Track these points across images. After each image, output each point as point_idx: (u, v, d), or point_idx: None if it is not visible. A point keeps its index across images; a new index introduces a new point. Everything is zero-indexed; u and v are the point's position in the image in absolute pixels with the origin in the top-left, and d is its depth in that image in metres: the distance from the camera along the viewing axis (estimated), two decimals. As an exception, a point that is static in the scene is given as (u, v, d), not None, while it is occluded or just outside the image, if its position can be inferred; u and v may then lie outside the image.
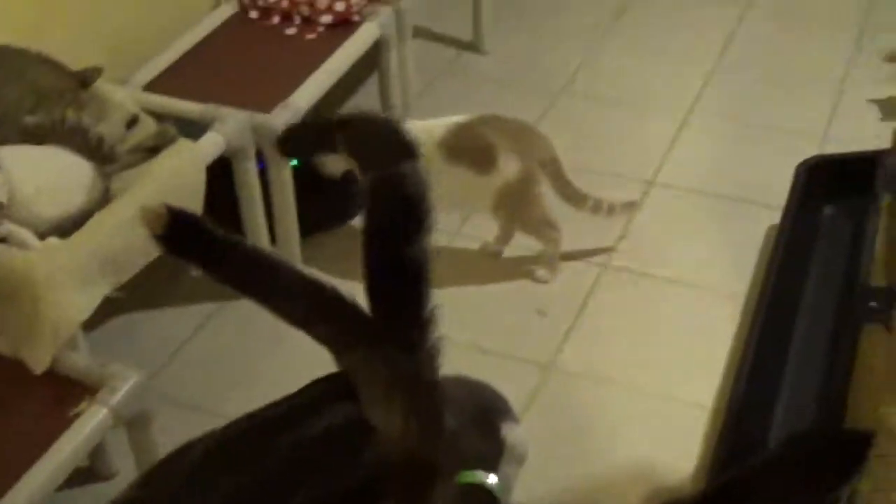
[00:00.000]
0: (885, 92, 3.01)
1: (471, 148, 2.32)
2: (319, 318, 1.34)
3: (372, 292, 1.32)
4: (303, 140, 1.72)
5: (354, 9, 2.65)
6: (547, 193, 2.41)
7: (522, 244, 2.51)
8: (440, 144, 2.32)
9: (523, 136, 2.39)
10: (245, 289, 1.38)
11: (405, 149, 1.35)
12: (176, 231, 1.34)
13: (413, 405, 1.24)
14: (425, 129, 2.31)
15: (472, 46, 3.29)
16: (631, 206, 2.48)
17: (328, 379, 1.38)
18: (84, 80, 2.16)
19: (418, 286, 1.30)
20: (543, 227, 2.43)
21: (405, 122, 2.32)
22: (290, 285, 1.36)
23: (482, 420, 1.47)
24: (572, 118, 3.01)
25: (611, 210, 2.43)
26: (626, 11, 3.49)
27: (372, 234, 1.33)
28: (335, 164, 2.38)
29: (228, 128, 2.21)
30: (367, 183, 1.35)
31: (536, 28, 3.40)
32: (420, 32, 3.21)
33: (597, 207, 2.42)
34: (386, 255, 1.32)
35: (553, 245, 2.44)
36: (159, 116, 2.21)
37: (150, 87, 2.43)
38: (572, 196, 2.41)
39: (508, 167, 2.33)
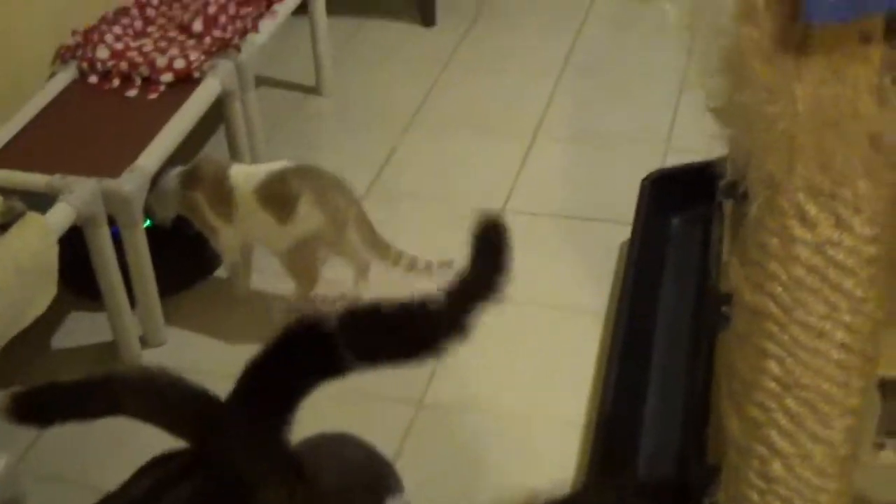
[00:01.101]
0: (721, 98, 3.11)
1: (277, 196, 2.37)
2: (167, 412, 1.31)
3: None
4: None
5: (194, 65, 2.66)
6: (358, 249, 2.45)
7: (383, 281, 2.53)
8: (255, 189, 2.40)
9: (330, 189, 2.41)
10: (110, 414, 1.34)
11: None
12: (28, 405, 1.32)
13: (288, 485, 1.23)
14: (246, 174, 2.44)
15: (315, 90, 3.34)
16: (448, 265, 2.44)
17: (162, 461, 1.32)
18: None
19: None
20: (306, 278, 2.45)
21: (231, 166, 2.41)
22: (142, 389, 1.32)
23: (368, 491, 1.48)
24: (421, 152, 3.07)
25: (428, 267, 2.45)
26: (463, 41, 3.57)
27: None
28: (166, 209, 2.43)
29: (77, 197, 2.21)
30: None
31: (376, 68, 3.47)
32: (262, 80, 3.26)
33: (412, 265, 2.45)
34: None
35: (299, 296, 2.47)
36: (4, 191, 2.19)
37: (-7, 161, 2.40)
38: (385, 254, 2.44)
39: (308, 217, 2.38)
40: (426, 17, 3.67)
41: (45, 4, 2.73)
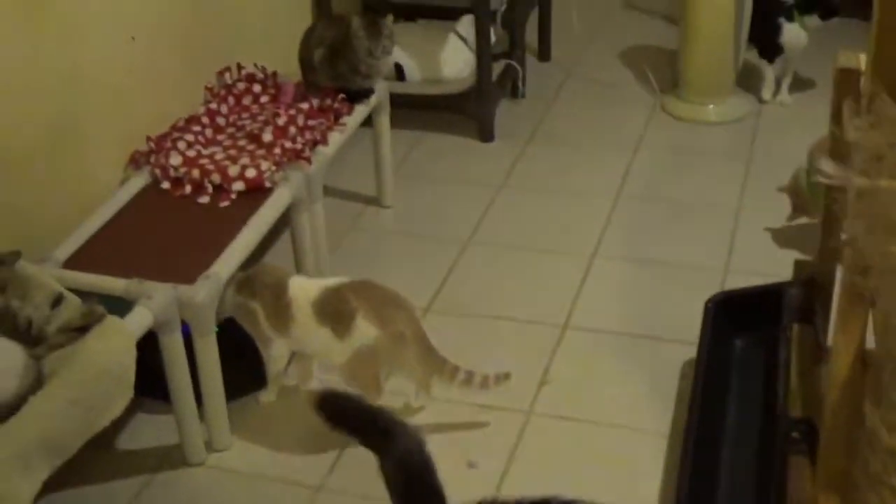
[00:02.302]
0: (778, 221, 3.17)
1: (334, 312, 2.42)
2: None
3: None
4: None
5: (266, 175, 2.73)
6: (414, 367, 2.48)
7: (444, 396, 2.56)
8: (313, 303, 2.44)
9: (387, 305, 2.46)
10: None
11: None
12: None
13: None
14: (304, 287, 2.49)
15: (377, 201, 3.41)
16: (505, 378, 2.48)
17: None
18: (3, 262, 2.20)
19: None
20: (368, 390, 2.46)
21: (290, 277, 2.47)
22: None
23: None
24: (480, 267, 3.13)
25: (484, 383, 2.47)
26: (520, 158, 3.65)
27: None
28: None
29: (155, 303, 2.26)
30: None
31: (435, 181, 3.55)
32: (325, 189, 3.31)
33: (468, 380, 2.47)
34: None
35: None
36: (82, 294, 2.24)
37: (70, 263, 2.45)
38: (441, 369, 2.47)
39: (365, 333, 2.42)
40: (485, 132, 3.75)
41: (119, 111, 2.82)
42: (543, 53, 4.33)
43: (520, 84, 3.99)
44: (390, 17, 3.06)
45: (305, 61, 3.11)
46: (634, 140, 3.73)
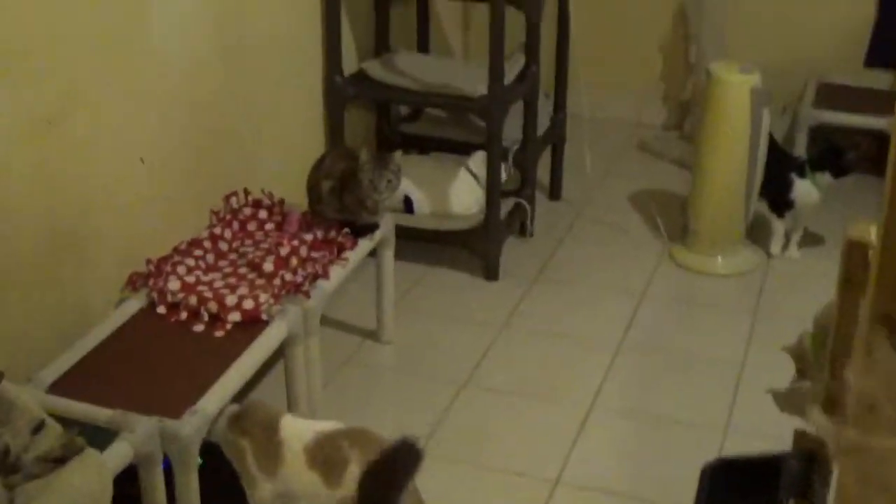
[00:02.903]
0: (782, 381, 3.12)
1: (327, 458, 2.36)
2: None
3: None
4: None
5: (263, 307, 2.70)
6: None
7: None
8: (305, 447, 2.36)
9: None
10: None
11: None
12: None
13: None
14: (296, 429, 2.38)
15: (375, 335, 3.38)
16: None
17: None
18: (-14, 384, 2.16)
19: None
20: None
21: (282, 417, 2.40)
22: None
23: None
24: (475, 411, 3.08)
25: None
26: (524, 299, 3.63)
27: None
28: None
29: (137, 436, 2.22)
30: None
31: (436, 318, 3.52)
32: (325, 321, 3.28)
33: None
34: None
35: None
36: (64, 420, 2.20)
37: (56, 387, 2.42)
38: None
39: (355, 484, 2.33)
40: (490, 271, 3.74)
41: (122, 230, 2.82)
42: (554, 192, 4.35)
43: (528, 223, 4.00)
44: (398, 153, 3.07)
45: (313, 191, 3.11)
46: (640, 287, 3.71)
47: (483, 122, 3.65)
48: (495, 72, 3.50)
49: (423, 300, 3.62)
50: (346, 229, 3.06)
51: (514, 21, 3.72)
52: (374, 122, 4.12)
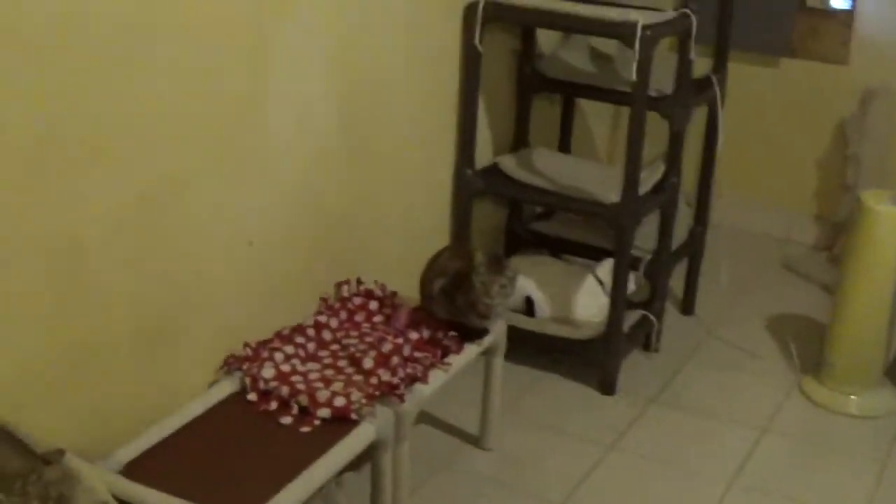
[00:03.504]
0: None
1: None
2: None
3: None
4: None
5: (354, 406, 2.62)
6: None
7: None
8: None
9: None
10: None
11: None
12: None
13: None
14: None
15: (476, 440, 3.26)
16: None
17: None
18: (48, 460, 2.11)
19: None
20: None
21: None
22: None
23: None
24: (569, 536, 2.92)
25: None
26: (638, 419, 3.47)
27: None
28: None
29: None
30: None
31: (543, 429, 3.39)
32: (426, 418, 3.23)
33: None
34: None
35: None
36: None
37: (130, 468, 2.39)
38: None
39: None
40: (606, 384, 3.60)
41: (224, 312, 2.79)
42: (687, 307, 4.18)
43: (654, 337, 3.84)
44: (514, 260, 2.96)
45: (424, 288, 3.03)
46: (764, 420, 3.50)
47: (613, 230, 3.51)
48: (629, 180, 3.39)
49: (532, 407, 3.49)
50: (454, 332, 2.96)
51: (660, 127, 3.60)
52: (506, 217, 4.04)
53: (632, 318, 3.70)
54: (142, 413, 2.57)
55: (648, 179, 3.61)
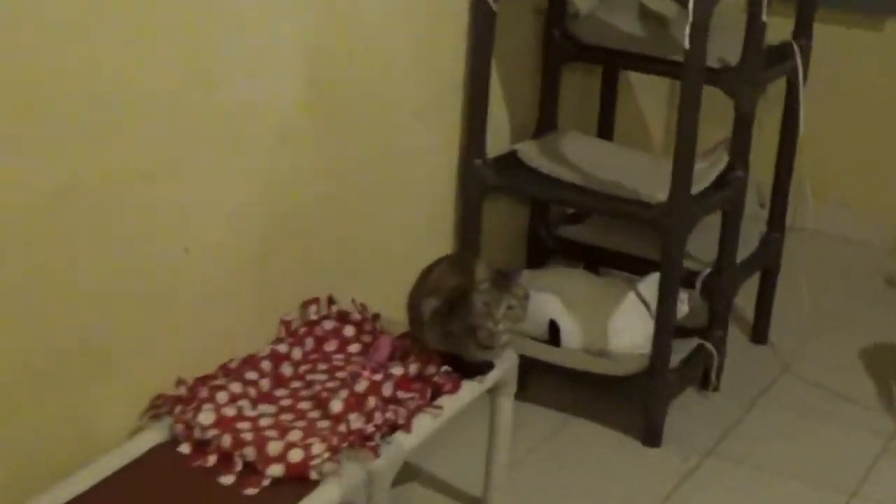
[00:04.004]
0: None
1: None
2: None
3: None
4: None
5: (314, 462, 2.54)
6: None
7: None
8: None
9: None
10: None
11: None
12: None
13: None
14: None
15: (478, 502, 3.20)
16: None
17: None
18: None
19: None
20: None
21: None
22: None
23: None
24: None
25: None
26: (690, 478, 3.42)
27: None
28: None
29: None
30: None
31: (570, 492, 3.33)
32: (415, 475, 3.22)
33: None
34: None
35: None
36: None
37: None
38: None
39: None
40: (650, 433, 3.53)
41: (151, 340, 2.72)
42: (758, 334, 4.13)
43: (713, 374, 3.76)
44: (525, 273, 2.90)
45: (413, 311, 2.95)
46: (852, 482, 3.42)
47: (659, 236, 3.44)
48: (681, 173, 3.30)
49: (554, 462, 3.43)
50: (450, 366, 2.89)
51: (725, 107, 3.55)
52: (527, 221, 3.99)
53: (685, 348, 3.64)
54: (42, 465, 2.51)
55: (707, 173, 3.54)
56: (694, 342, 3.68)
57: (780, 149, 3.98)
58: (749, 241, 3.90)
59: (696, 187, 3.40)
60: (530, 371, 3.13)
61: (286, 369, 2.90)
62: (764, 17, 3.43)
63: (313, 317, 3.06)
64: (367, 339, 3.03)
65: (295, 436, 2.62)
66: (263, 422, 2.68)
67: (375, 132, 3.28)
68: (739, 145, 3.61)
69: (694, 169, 3.34)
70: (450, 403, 2.83)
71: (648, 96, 4.61)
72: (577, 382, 3.58)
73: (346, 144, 3.17)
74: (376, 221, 3.35)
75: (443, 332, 2.89)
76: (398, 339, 3.00)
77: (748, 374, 3.92)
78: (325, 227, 3.17)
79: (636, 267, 3.83)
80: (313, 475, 2.53)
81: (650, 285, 3.59)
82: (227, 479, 2.54)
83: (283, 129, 2.97)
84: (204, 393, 2.72)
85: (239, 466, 2.56)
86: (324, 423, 2.69)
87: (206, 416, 2.64)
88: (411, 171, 3.46)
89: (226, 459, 2.58)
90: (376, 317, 3.09)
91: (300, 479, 2.52)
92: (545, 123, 3.89)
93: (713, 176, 3.57)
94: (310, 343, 3.00)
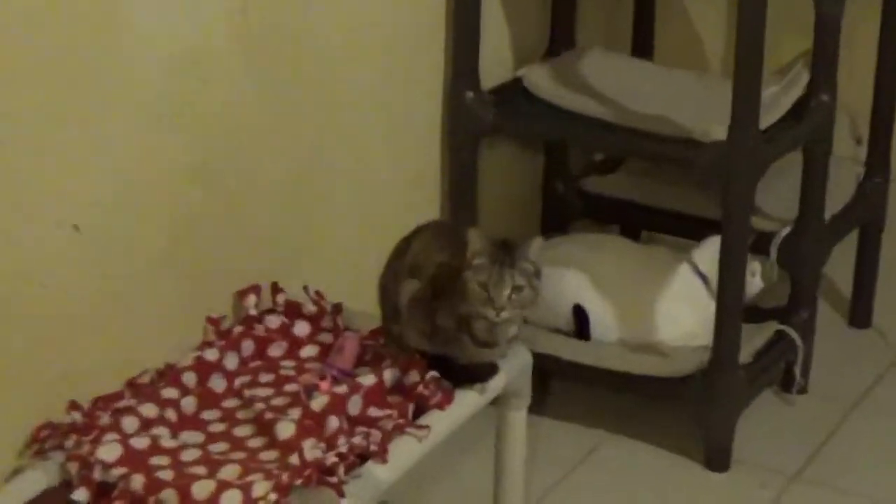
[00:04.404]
0: None
1: None
2: None
3: None
4: None
5: (256, 506, 2.56)
6: None
7: None
8: None
9: None
10: None
11: None
12: None
13: None
14: None
15: None
16: None
17: None
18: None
19: None
20: None
21: None
22: None
23: None
24: None
25: None
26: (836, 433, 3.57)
27: None
28: None
29: None
30: None
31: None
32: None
33: None
34: None
35: None
36: None
37: None
38: None
39: None
40: (716, 454, 3.55)
41: (32, 348, 2.73)
42: (858, 316, 4.17)
43: (797, 369, 3.75)
44: (538, 241, 2.88)
45: (387, 298, 2.96)
46: None
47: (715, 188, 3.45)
48: (743, 101, 3.29)
49: (587, 495, 3.47)
50: (437, 371, 2.89)
51: (805, 12, 3.55)
52: (541, 171, 4.02)
53: (759, 337, 3.65)
54: None
55: (781, 98, 3.56)
56: (772, 328, 3.70)
57: (880, 65, 3.99)
58: (842, 189, 3.92)
59: (767, 119, 3.41)
60: (550, 375, 3.12)
61: (217, 383, 2.92)
62: None
63: (252, 311, 3.08)
64: (325, 338, 3.06)
65: (230, 472, 2.63)
66: (187, 455, 2.70)
67: (330, 58, 3.29)
68: (824, 60, 3.60)
69: (762, 93, 3.34)
70: (440, 422, 2.84)
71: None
72: (615, 388, 3.61)
73: (292, 74, 3.20)
74: (335, 182, 3.38)
75: (426, 326, 2.90)
76: (367, 338, 3.03)
77: (847, 367, 3.97)
78: (266, 193, 3.19)
79: (689, 229, 3.86)
80: None
81: (709, 254, 3.60)
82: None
83: (202, 54, 2.97)
84: (105, 419, 2.73)
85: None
86: (269, 455, 2.71)
87: (110, 451, 2.64)
88: (379, 112, 3.48)
89: (136, 507, 2.60)
90: (337, 308, 3.10)
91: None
92: (559, 39, 3.91)
93: (789, 103, 3.59)
94: (248, 347, 3.01)
